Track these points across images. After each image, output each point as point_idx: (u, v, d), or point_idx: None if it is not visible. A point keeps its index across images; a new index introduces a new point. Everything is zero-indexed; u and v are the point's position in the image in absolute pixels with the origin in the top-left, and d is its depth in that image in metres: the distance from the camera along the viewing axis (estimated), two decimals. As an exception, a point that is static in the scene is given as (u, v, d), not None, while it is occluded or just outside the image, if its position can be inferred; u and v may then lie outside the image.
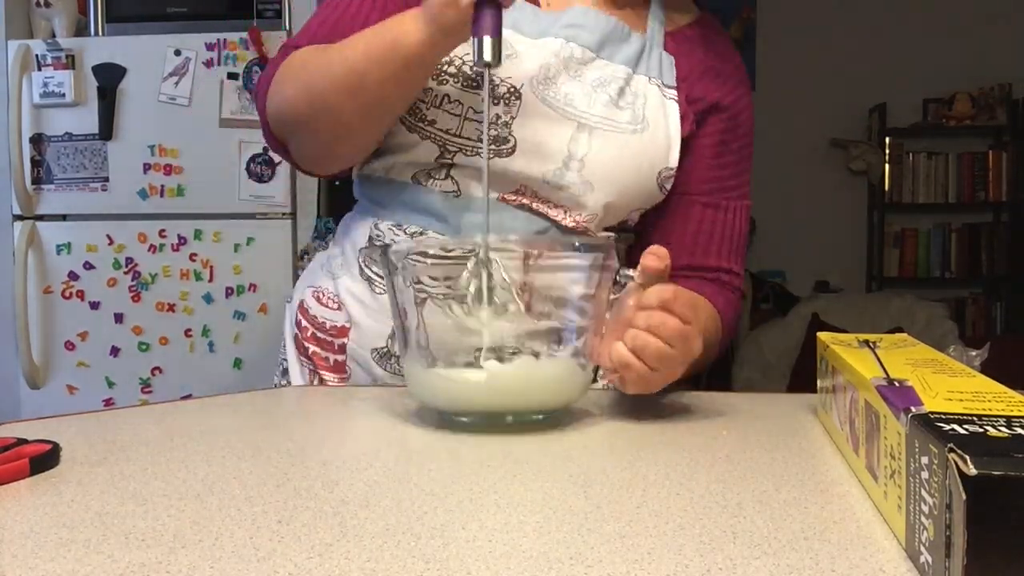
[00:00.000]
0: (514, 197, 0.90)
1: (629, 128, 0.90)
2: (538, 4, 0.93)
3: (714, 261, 0.98)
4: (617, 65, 0.91)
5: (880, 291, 4.33)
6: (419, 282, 0.69)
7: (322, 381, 0.96)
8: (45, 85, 2.32)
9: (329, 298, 0.96)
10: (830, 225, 4.56)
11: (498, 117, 0.87)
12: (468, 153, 0.88)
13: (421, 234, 0.91)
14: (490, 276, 0.67)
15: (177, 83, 2.31)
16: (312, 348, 0.96)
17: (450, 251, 0.71)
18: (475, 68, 0.74)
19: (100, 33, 2.42)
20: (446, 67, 0.87)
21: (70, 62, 2.32)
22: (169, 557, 0.41)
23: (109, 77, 2.32)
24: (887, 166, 4.40)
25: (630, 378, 0.69)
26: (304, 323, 0.98)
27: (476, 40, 0.74)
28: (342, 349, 0.94)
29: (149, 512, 0.47)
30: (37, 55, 2.33)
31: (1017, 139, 4.29)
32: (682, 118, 0.93)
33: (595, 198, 0.90)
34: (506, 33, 0.85)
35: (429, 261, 0.70)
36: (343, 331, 0.94)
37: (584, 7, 0.92)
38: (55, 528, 0.45)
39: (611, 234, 0.94)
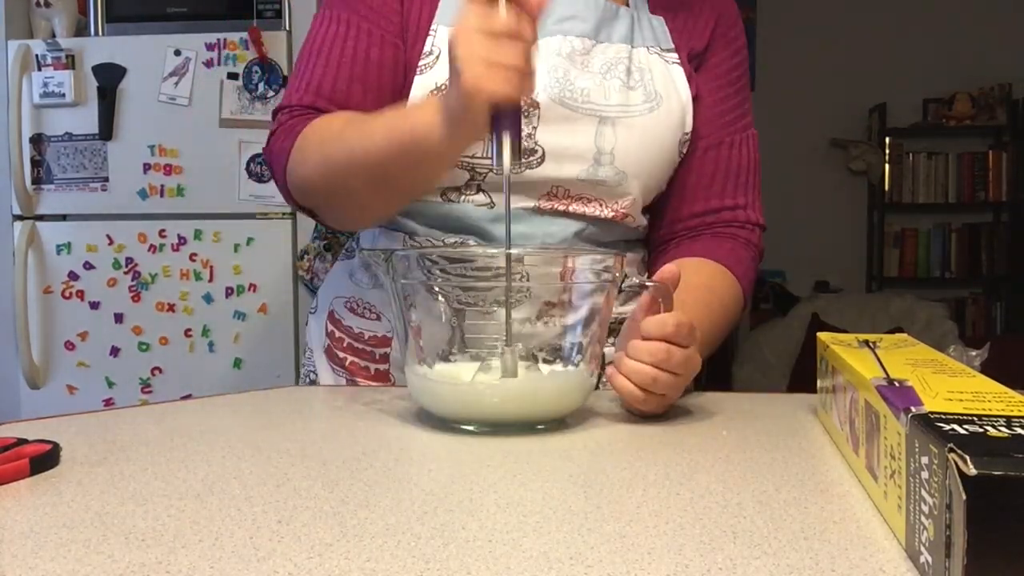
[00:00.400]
0: (548, 203, 0.89)
1: (646, 108, 0.90)
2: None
3: (723, 200, 0.96)
4: (617, 44, 0.91)
5: (880, 291, 4.33)
6: (429, 290, 0.69)
7: None
8: (45, 85, 2.32)
9: (366, 308, 0.96)
10: (830, 225, 4.56)
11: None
12: (498, 172, 0.87)
13: (461, 245, 0.90)
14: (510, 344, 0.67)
15: (177, 83, 2.31)
16: (350, 358, 0.96)
17: (455, 260, 0.72)
18: (496, 170, 0.72)
19: (100, 33, 2.41)
20: None
21: (70, 62, 2.32)
22: (169, 557, 0.41)
23: (109, 77, 2.32)
24: (887, 166, 4.40)
25: (637, 404, 0.70)
26: (338, 334, 0.97)
27: (496, 143, 0.70)
28: (384, 359, 0.94)
29: (149, 512, 0.47)
30: (37, 55, 2.33)
31: (1017, 139, 4.29)
32: (688, 79, 0.93)
33: (631, 185, 0.90)
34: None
35: (436, 269, 0.71)
36: (384, 341, 0.94)
37: None
38: (55, 528, 0.45)
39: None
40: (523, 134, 0.73)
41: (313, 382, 0.99)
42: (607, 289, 0.70)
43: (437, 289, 0.69)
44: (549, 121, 0.87)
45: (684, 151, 0.94)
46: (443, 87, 0.85)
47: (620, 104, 0.89)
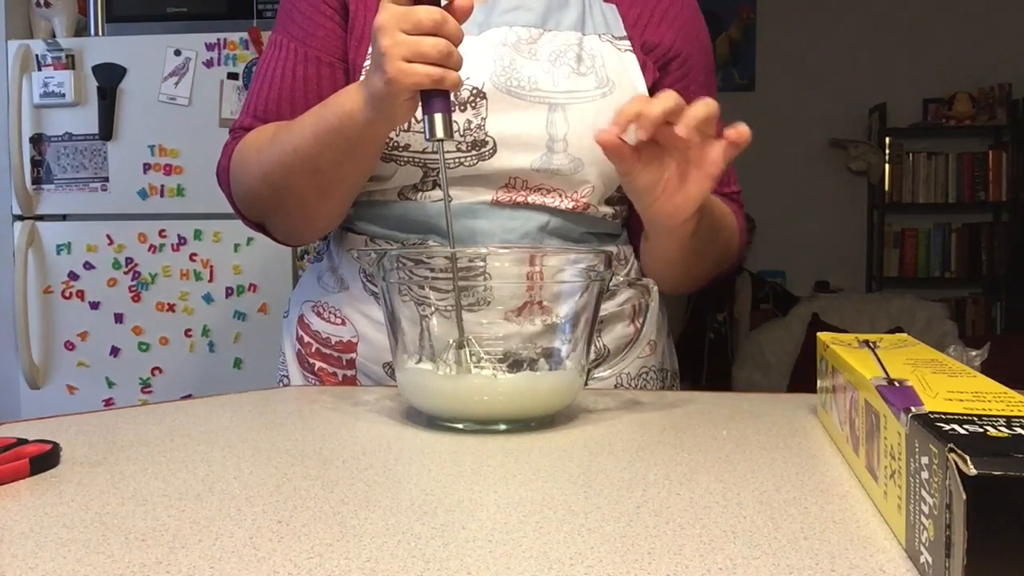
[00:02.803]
0: (507, 196, 0.89)
1: (598, 94, 0.89)
2: None
3: (722, 189, 0.98)
4: (566, 32, 0.90)
5: (880, 291, 4.33)
6: (419, 288, 0.69)
7: None
8: (45, 85, 2.32)
9: (332, 313, 0.95)
10: (830, 225, 4.56)
11: (469, 122, 0.86)
12: (451, 165, 0.87)
13: (422, 245, 0.90)
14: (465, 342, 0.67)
15: (177, 83, 2.31)
16: (318, 364, 0.95)
17: (445, 257, 0.72)
18: (428, 142, 0.73)
19: (100, 33, 2.42)
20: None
21: (70, 62, 2.32)
22: (169, 557, 0.41)
23: (109, 77, 2.32)
24: (887, 166, 4.40)
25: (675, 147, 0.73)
26: (307, 339, 0.97)
27: (427, 118, 0.72)
28: (351, 364, 0.94)
29: (149, 512, 0.47)
30: (37, 55, 2.33)
31: (1017, 139, 4.29)
32: (643, 68, 0.92)
33: (588, 172, 0.89)
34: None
35: (424, 268, 0.71)
36: (350, 346, 0.93)
37: None
38: (55, 528, 0.45)
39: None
40: (454, 111, 0.75)
41: (287, 387, 0.99)
42: (595, 288, 0.70)
43: (427, 288, 0.69)
44: (497, 111, 0.86)
45: None
46: None
47: (569, 90, 0.88)
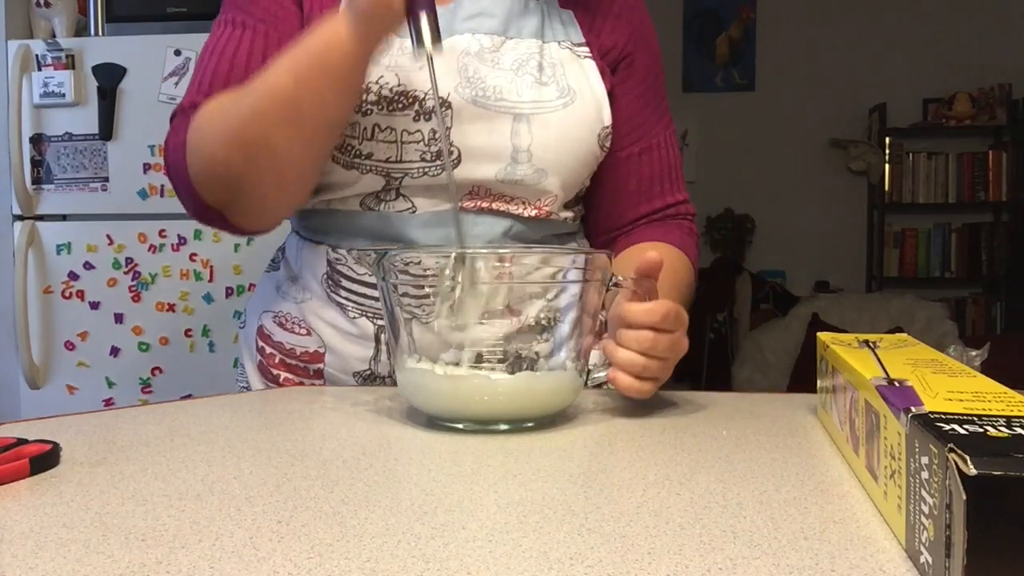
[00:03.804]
0: (471, 202, 0.88)
1: (560, 104, 0.88)
2: None
3: (664, 200, 0.99)
4: (527, 40, 0.90)
5: (880, 291, 4.33)
6: (415, 288, 0.69)
7: None
8: (45, 85, 2.32)
9: (295, 323, 0.93)
10: (830, 225, 4.56)
11: (434, 132, 0.85)
12: (415, 176, 0.86)
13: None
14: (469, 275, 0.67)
15: (177, 83, 2.31)
16: (283, 375, 0.93)
17: (445, 256, 0.72)
18: (415, 52, 0.72)
19: (100, 33, 2.41)
20: (366, 96, 0.84)
21: (70, 62, 2.32)
22: (169, 557, 0.41)
23: (109, 77, 2.32)
24: (887, 166, 4.40)
25: (631, 389, 0.71)
26: (268, 349, 0.95)
27: (412, 26, 0.71)
28: (319, 374, 0.92)
29: (149, 512, 0.47)
30: (37, 55, 2.33)
31: (1017, 139, 4.29)
32: (601, 73, 0.93)
33: (550, 182, 0.89)
34: (408, 45, 0.79)
35: (424, 268, 0.71)
36: (317, 356, 0.92)
37: None
38: (55, 528, 0.45)
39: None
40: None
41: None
42: (594, 287, 0.70)
43: (427, 289, 0.69)
44: (463, 121, 0.86)
45: (607, 146, 0.93)
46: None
47: (533, 100, 0.87)
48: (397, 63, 0.85)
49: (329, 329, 0.91)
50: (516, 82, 0.87)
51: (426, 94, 0.85)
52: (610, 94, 0.93)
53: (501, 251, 0.79)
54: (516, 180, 0.88)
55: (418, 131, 0.85)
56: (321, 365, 0.92)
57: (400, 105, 0.85)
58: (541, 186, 0.89)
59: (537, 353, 0.70)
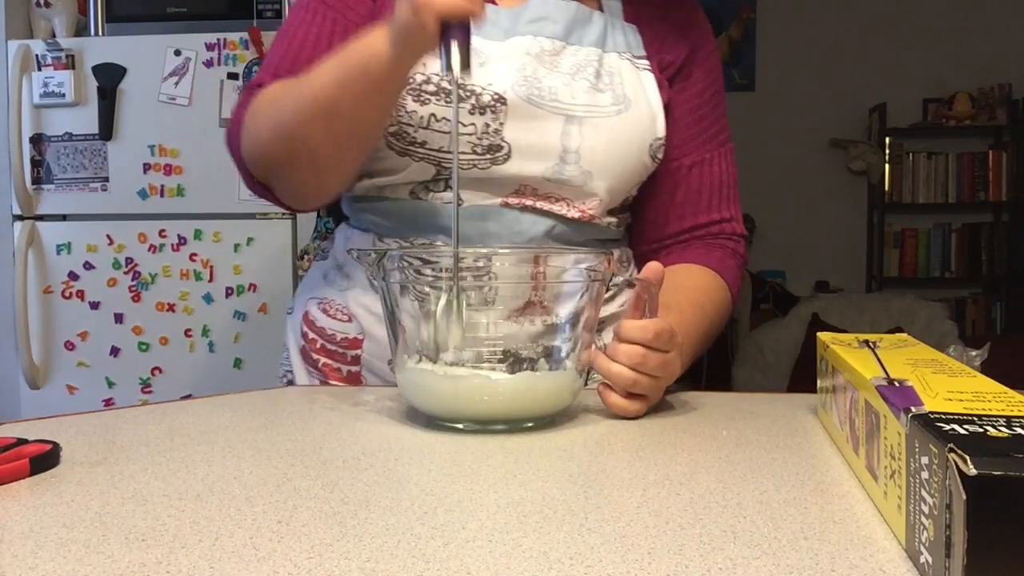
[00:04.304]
0: (516, 199, 0.90)
1: (614, 110, 0.90)
2: (494, 2, 0.92)
3: (710, 215, 0.99)
4: (587, 48, 0.92)
5: (880, 291, 4.33)
6: (416, 287, 0.70)
7: None
8: (45, 85, 2.32)
9: (338, 310, 0.96)
10: (830, 225, 4.56)
11: (487, 126, 0.87)
12: (465, 167, 0.88)
13: (430, 246, 0.91)
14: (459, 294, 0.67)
15: (177, 83, 2.31)
16: (322, 360, 0.96)
17: (443, 256, 0.72)
18: (445, 77, 0.73)
19: (100, 33, 2.41)
20: (425, 86, 0.87)
21: (70, 62, 2.32)
22: (169, 557, 0.41)
23: (109, 77, 2.32)
24: (887, 166, 4.40)
25: (615, 406, 0.72)
26: (311, 335, 0.97)
27: (444, 50, 0.72)
28: (356, 360, 0.94)
29: (149, 512, 0.47)
30: (37, 55, 2.33)
31: (1017, 139, 4.29)
32: (659, 87, 0.94)
33: (596, 185, 0.91)
34: (474, 41, 0.83)
35: (425, 267, 0.71)
36: (356, 343, 0.94)
37: None
38: (55, 528, 0.45)
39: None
40: (472, 48, 0.74)
41: (291, 382, 1.00)
42: (595, 289, 0.70)
43: (427, 289, 0.69)
44: (516, 118, 0.88)
45: (659, 158, 0.95)
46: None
47: (587, 104, 0.89)
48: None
49: (369, 316, 0.93)
50: (572, 86, 0.89)
51: (483, 89, 0.87)
52: (666, 107, 0.95)
53: (501, 251, 0.80)
54: (563, 179, 0.89)
55: (472, 124, 0.87)
56: (359, 351, 0.94)
57: (460, 97, 0.86)
58: (587, 188, 0.90)
59: (537, 353, 0.70)
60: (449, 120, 0.86)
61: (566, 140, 0.88)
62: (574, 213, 0.91)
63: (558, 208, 0.91)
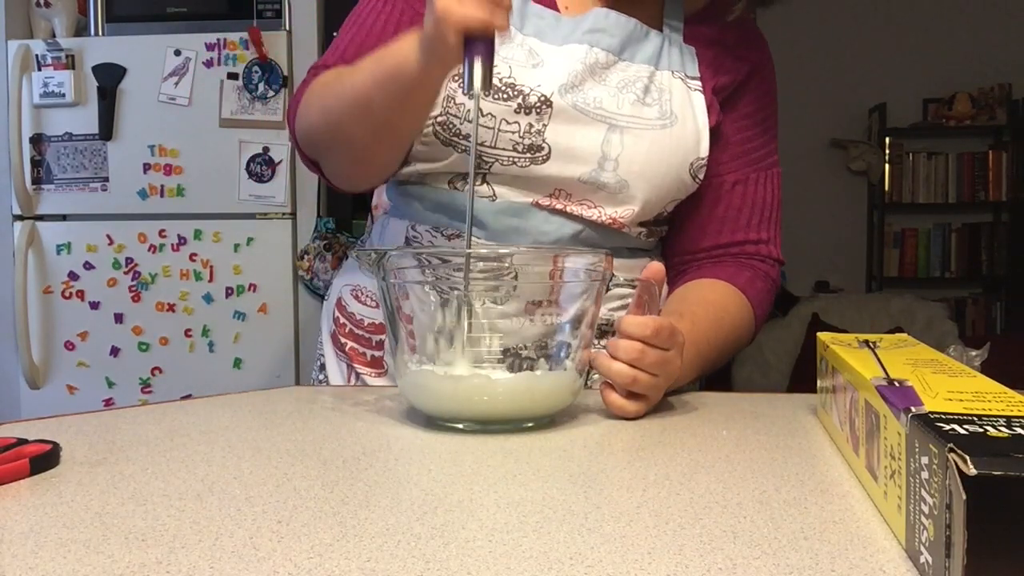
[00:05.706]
0: (548, 201, 0.91)
1: (659, 124, 0.91)
2: (557, 10, 0.93)
3: (746, 234, 0.98)
4: (639, 65, 0.92)
5: (880, 291, 4.33)
6: (411, 289, 0.70)
7: (358, 376, 0.99)
8: (45, 85, 2.32)
9: (368, 296, 0.99)
10: (830, 225, 4.56)
11: (531, 126, 0.88)
12: (504, 163, 0.89)
13: (458, 237, 0.92)
14: (469, 313, 0.68)
15: (177, 83, 2.31)
16: (349, 344, 1.00)
17: (443, 258, 0.72)
18: (466, 94, 0.73)
19: (100, 33, 2.41)
20: None
21: (70, 62, 2.32)
22: (169, 557, 0.41)
23: (109, 77, 2.32)
24: (887, 166, 4.40)
25: (614, 405, 0.72)
26: (342, 320, 1.01)
27: (467, 67, 0.72)
28: (380, 346, 0.97)
29: (149, 512, 0.47)
30: (37, 55, 2.33)
31: (1017, 139, 4.29)
32: (708, 108, 0.94)
33: (631, 195, 0.91)
34: (531, 42, 0.88)
35: (423, 268, 0.71)
36: (381, 328, 0.97)
37: (604, 10, 0.92)
38: (55, 528, 0.45)
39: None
40: (495, 64, 0.74)
41: (323, 366, 1.04)
42: (595, 289, 0.70)
43: (428, 289, 0.69)
44: (559, 122, 0.88)
45: (699, 178, 0.94)
46: None
47: (631, 115, 0.90)
48: (513, 56, 0.88)
49: None
50: (618, 97, 0.90)
51: (531, 90, 0.88)
52: (715, 130, 0.94)
53: (502, 251, 0.80)
54: (600, 184, 0.90)
55: (516, 123, 0.88)
56: (383, 337, 0.97)
57: (505, 96, 0.88)
58: (622, 196, 0.91)
59: (538, 352, 0.70)
60: (495, 116, 0.87)
61: (607, 147, 0.89)
62: (604, 219, 0.92)
63: (589, 213, 0.91)
